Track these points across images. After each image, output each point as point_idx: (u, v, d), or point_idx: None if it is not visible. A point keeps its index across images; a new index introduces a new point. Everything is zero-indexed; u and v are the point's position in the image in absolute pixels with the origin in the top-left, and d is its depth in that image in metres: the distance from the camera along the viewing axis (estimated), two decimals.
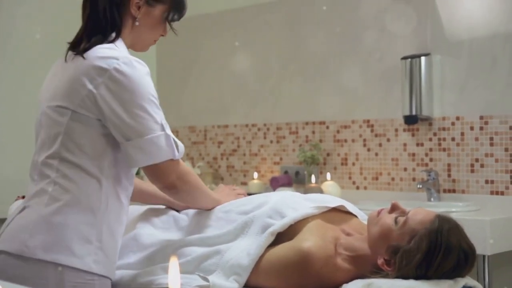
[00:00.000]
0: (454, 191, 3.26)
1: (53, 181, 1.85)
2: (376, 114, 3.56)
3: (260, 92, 4.08)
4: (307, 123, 3.85)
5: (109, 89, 1.81)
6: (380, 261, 1.83)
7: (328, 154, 3.74)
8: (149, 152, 1.82)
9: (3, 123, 3.90)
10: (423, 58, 3.29)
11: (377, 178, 3.55)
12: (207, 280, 1.84)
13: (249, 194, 2.28)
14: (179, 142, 1.90)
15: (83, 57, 1.85)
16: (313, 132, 3.81)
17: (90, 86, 1.82)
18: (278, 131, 3.98)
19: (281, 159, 3.97)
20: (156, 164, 1.85)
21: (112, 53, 1.84)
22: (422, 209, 1.86)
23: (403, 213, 1.86)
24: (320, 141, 3.77)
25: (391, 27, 3.49)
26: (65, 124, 1.85)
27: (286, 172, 3.85)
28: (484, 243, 2.58)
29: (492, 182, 3.15)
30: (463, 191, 3.23)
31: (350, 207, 2.10)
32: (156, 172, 1.88)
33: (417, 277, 1.76)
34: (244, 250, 1.92)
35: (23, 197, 3.12)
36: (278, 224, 1.93)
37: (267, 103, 4.05)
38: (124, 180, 1.94)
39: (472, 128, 3.21)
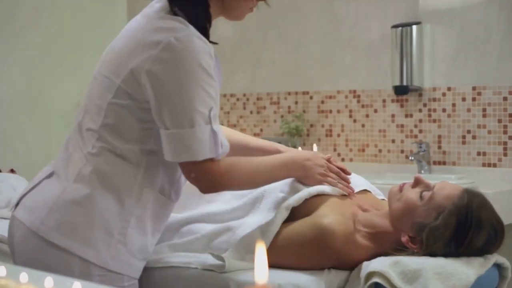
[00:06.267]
0: (444, 163, 3.19)
1: (85, 157, 1.66)
2: (363, 85, 3.46)
3: (238, 61, 3.94)
4: (289, 93, 3.73)
5: (156, 65, 1.58)
6: (404, 238, 1.74)
7: (311, 125, 3.64)
8: (188, 147, 1.58)
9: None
10: (414, 27, 3.20)
11: (363, 150, 3.46)
12: (222, 259, 1.72)
13: None
14: (224, 140, 1.65)
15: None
16: (296, 103, 3.70)
17: (137, 60, 1.61)
18: (259, 102, 3.86)
19: (261, 130, 3.85)
20: (194, 161, 1.60)
21: (172, 24, 1.61)
22: (448, 183, 1.77)
23: (428, 187, 1.76)
24: (304, 111, 3.66)
25: None
26: (109, 100, 1.66)
27: None
28: None
29: (484, 154, 3.09)
30: (453, 163, 3.17)
31: (364, 182, 2.01)
32: (194, 171, 1.63)
33: (445, 255, 1.68)
34: (258, 227, 1.81)
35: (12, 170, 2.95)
36: (293, 198, 1.83)
37: (246, 73, 3.92)
38: (170, 173, 1.71)
39: (464, 99, 3.14)
